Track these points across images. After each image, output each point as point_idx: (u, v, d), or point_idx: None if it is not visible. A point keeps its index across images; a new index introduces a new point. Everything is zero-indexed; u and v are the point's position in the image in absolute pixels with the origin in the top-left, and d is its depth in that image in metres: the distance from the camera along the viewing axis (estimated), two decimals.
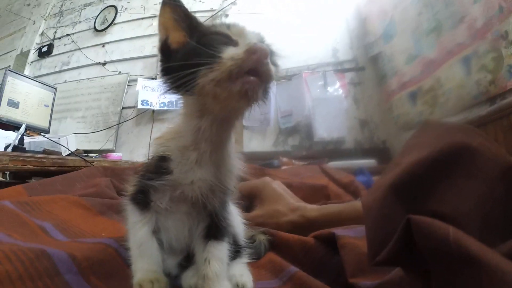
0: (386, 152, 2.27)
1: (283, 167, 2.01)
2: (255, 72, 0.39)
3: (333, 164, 2.02)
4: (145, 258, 0.47)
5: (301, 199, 1.40)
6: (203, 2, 3.05)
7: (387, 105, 2.20)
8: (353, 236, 0.59)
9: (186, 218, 0.50)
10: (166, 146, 0.47)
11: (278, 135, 2.56)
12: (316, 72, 2.56)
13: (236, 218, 0.62)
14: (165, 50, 0.48)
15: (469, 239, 0.27)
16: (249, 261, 0.61)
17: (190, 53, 0.43)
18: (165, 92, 0.47)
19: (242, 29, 0.45)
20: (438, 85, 1.58)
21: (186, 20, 0.48)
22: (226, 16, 2.96)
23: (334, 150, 2.37)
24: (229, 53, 0.40)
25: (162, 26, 0.48)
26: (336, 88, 2.49)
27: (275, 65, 0.46)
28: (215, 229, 0.49)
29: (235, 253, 0.56)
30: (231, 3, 2.97)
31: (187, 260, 0.52)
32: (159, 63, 0.50)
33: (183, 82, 0.41)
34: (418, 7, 1.74)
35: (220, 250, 0.48)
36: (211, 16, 2.92)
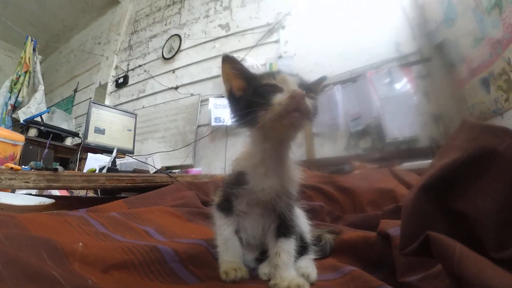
0: None
1: (355, 172, 2.00)
2: (297, 109, 0.54)
3: (408, 165, 1.92)
4: (230, 252, 0.62)
5: (368, 203, 1.41)
6: (258, 18, 3.18)
7: (460, 96, 2.03)
8: None
9: (260, 219, 0.64)
10: (242, 165, 0.64)
11: (349, 139, 2.46)
12: (381, 70, 2.42)
13: (301, 220, 0.74)
14: (231, 97, 0.64)
15: (472, 261, 0.31)
16: (315, 257, 0.70)
17: (250, 100, 0.58)
18: (235, 127, 0.64)
19: (284, 77, 0.59)
20: (509, 67, 1.43)
21: (242, 71, 0.62)
22: (283, 27, 3.05)
23: (408, 150, 2.19)
24: (277, 99, 0.55)
25: (225, 78, 0.63)
26: (404, 84, 2.34)
27: (312, 98, 0.59)
28: (284, 228, 0.62)
29: (303, 249, 0.67)
30: (286, 14, 3.06)
31: (262, 255, 0.66)
32: (228, 108, 0.65)
33: (249, 121, 0.57)
34: None
35: (288, 245, 0.60)
36: (269, 31, 3.05)
